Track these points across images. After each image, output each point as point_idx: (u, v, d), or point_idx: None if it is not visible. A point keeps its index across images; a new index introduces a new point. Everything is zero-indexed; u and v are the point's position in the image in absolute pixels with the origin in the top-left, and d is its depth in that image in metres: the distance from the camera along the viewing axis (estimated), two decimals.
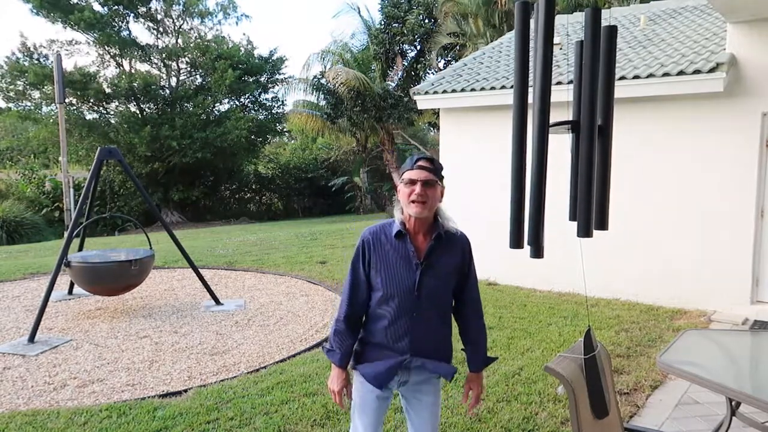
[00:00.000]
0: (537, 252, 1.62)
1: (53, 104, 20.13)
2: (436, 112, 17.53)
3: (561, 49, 8.14)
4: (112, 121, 21.88)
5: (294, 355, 5.09)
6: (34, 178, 21.74)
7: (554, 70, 7.38)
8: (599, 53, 1.56)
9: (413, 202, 2.17)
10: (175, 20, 23.40)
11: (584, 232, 1.61)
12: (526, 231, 1.59)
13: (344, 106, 19.94)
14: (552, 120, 1.62)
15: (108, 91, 21.18)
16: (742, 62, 6.09)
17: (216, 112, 23.05)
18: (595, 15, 1.56)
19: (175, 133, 20.58)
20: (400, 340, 2.26)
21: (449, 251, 2.28)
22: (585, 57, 1.57)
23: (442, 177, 2.25)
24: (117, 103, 22.13)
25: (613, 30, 1.63)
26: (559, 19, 9.63)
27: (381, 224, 2.32)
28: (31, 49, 20.78)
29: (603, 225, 1.67)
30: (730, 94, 6.15)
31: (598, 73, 1.56)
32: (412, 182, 2.17)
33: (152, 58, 22.84)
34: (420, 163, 2.20)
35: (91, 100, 21.22)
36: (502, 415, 3.81)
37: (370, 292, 2.31)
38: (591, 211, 1.60)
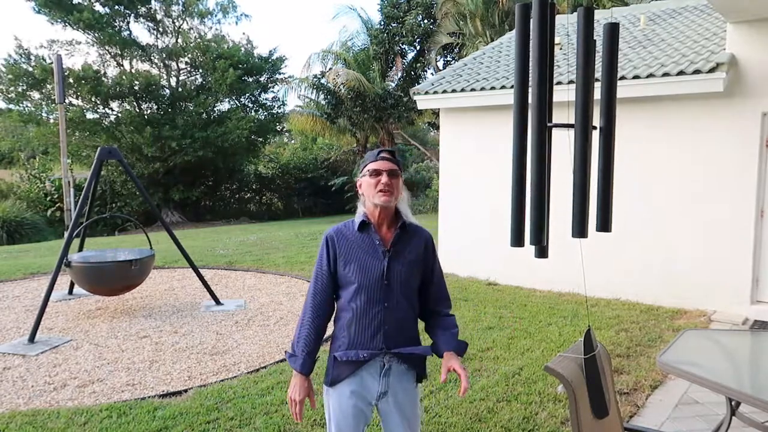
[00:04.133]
0: (541, 252, 1.62)
1: (54, 104, 20.13)
2: (436, 112, 17.53)
3: (561, 49, 8.14)
4: (116, 120, 21.85)
5: None
6: (38, 178, 21.79)
7: (554, 70, 7.38)
8: (591, 53, 1.56)
9: (380, 191, 2.21)
10: (175, 20, 23.39)
11: (578, 232, 1.60)
12: (529, 231, 1.58)
13: (344, 106, 19.94)
14: (551, 119, 1.61)
15: (110, 90, 21.16)
16: (742, 62, 6.09)
17: (216, 112, 23.05)
18: (587, 14, 1.55)
19: (176, 133, 20.58)
20: (375, 333, 2.22)
21: (413, 241, 2.31)
22: (578, 56, 1.56)
23: (402, 168, 2.33)
24: (119, 103, 22.12)
25: (614, 27, 1.62)
26: (560, 19, 9.63)
27: (343, 223, 2.34)
28: (29, 50, 20.76)
29: (606, 227, 1.66)
30: (730, 94, 6.15)
31: (590, 72, 1.56)
32: (378, 173, 2.22)
33: (152, 58, 22.83)
34: (383, 154, 2.26)
35: (94, 99, 21.20)
36: (502, 415, 3.81)
37: (337, 292, 2.28)
38: (585, 211, 1.60)
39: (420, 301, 2.36)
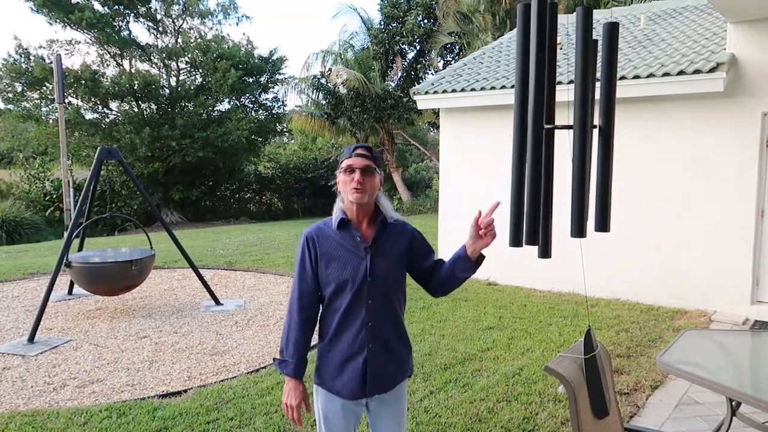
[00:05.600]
0: (544, 252, 1.61)
1: (53, 104, 20.11)
2: (436, 112, 17.53)
3: (561, 48, 8.14)
4: (116, 121, 21.83)
5: None
6: (37, 178, 21.78)
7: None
8: (590, 53, 1.55)
9: (353, 189, 2.17)
10: (175, 20, 23.38)
11: (577, 232, 1.60)
12: (525, 231, 1.58)
13: (344, 106, 19.93)
14: (553, 120, 1.61)
15: (109, 90, 21.15)
16: (742, 62, 6.09)
17: (216, 112, 23.04)
18: (586, 14, 1.55)
19: (176, 133, 20.57)
20: (360, 330, 2.19)
21: (396, 236, 2.27)
22: (577, 57, 1.56)
23: (381, 165, 2.26)
24: (118, 103, 22.10)
25: (614, 27, 1.62)
26: (560, 19, 9.63)
27: (320, 222, 2.30)
28: (29, 49, 20.74)
29: (604, 227, 1.66)
30: (730, 94, 6.15)
31: (588, 72, 1.55)
32: (351, 170, 2.17)
33: (152, 57, 22.82)
34: (358, 151, 2.20)
35: (93, 99, 21.18)
36: (502, 415, 3.81)
37: (320, 292, 2.24)
38: (584, 211, 1.60)
39: (429, 278, 2.31)
